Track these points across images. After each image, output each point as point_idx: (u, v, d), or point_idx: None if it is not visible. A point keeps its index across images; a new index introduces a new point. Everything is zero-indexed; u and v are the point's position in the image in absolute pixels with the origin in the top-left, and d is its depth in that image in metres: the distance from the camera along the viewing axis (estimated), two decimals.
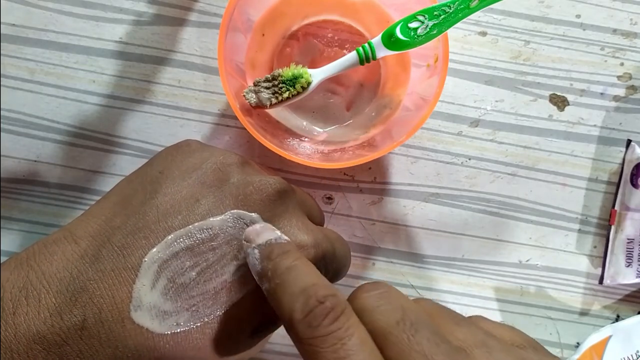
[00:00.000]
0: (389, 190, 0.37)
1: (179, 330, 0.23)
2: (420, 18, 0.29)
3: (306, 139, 0.35)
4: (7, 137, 0.36)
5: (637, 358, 0.34)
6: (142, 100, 0.36)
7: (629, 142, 0.37)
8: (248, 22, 0.34)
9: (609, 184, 0.38)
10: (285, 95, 0.31)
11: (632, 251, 0.37)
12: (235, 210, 0.25)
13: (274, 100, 0.32)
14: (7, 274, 0.22)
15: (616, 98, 0.38)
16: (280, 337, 0.37)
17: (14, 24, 0.36)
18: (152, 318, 0.22)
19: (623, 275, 0.37)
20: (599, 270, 0.38)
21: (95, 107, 0.36)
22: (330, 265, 0.28)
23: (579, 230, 0.38)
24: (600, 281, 0.37)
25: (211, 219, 0.24)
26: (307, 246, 0.25)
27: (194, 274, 0.23)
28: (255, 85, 0.32)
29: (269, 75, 0.32)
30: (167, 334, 0.22)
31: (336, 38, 0.36)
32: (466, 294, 0.38)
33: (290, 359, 0.37)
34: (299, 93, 0.32)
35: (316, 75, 0.32)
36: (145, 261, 0.23)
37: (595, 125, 0.38)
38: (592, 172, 0.38)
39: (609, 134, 0.38)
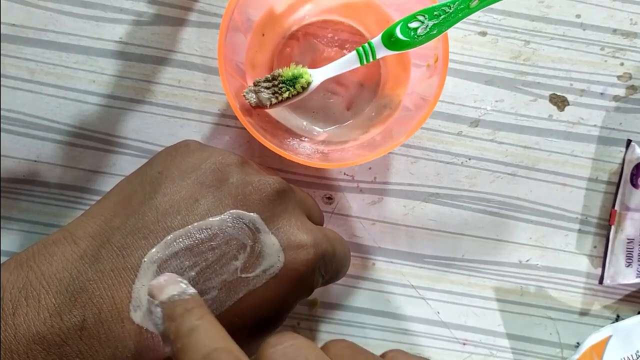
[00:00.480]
0: (389, 190, 0.37)
1: None
2: (420, 18, 0.29)
3: (306, 139, 0.35)
4: (7, 137, 0.36)
5: (637, 358, 0.34)
6: (142, 100, 0.36)
7: (629, 142, 0.37)
8: (248, 22, 0.34)
9: (609, 184, 0.38)
10: (285, 95, 0.31)
11: (632, 251, 0.37)
12: (235, 210, 0.25)
13: (274, 100, 0.32)
14: (7, 274, 0.23)
15: (616, 98, 0.38)
16: None
17: (14, 24, 0.36)
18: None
19: (623, 275, 0.37)
20: (599, 270, 0.38)
21: (95, 107, 0.36)
22: (330, 265, 0.28)
23: (579, 230, 0.38)
24: (600, 281, 0.37)
25: (210, 219, 0.24)
26: (306, 246, 0.25)
27: (193, 273, 0.23)
28: (255, 85, 0.32)
29: (269, 75, 0.32)
30: None
31: (336, 38, 0.36)
32: (466, 294, 0.38)
33: None
34: (299, 93, 0.32)
35: (316, 75, 0.32)
36: (144, 261, 0.23)
37: (595, 125, 0.38)
38: (592, 172, 0.38)
39: (609, 134, 0.38)
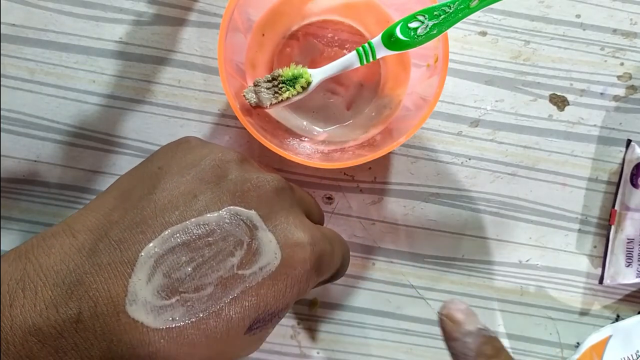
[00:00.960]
0: (389, 190, 0.37)
1: (174, 326, 0.22)
2: (420, 18, 0.29)
3: (306, 139, 0.35)
4: (7, 137, 0.36)
5: (637, 358, 0.34)
6: (142, 100, 0.37)
7: (629, 142, 0.37)
8: (248, 22, 0.34)
9: (609, 184, 0.38)
10: (285, 95, 0.31)
11: (632, 251, 0.37)
12: (232, 207, 0.25)
13: (274, 100, 0.32)
14: (6, 266, 0.23)
15: (616, 98, 0.38)
16: (279, 337, 0.37)
17: (14, 24, 0.36)
18: (147, 312, 0.22)
19: (623, 275, 0.37)
20: (599, 270, 0.38)
21: (95, 107, 0.36)
22: (329, 264, 0.28)
23: (579, 230, 0.38)
24: (600, 281, 0.37)
25: (208, 215, 0.24)
26: (303, 244, 0.25)
27: (189, 269, 0.23)
28: (255, 85, 0.32)
29: (269, 75, 0.32)
30: (162, 328, 0.22)
31: (336, 38, 0.36)
32: (466, 294, 0.38)
33: (290, 359, 0.37)
34: (299, 93, 0.32)
35: (316, 75, 0.32)
36: (141, 256, 0.23)
37: (595, 125, 0.38)
38: (592, 172, 0.38)
39: (609, 134, 0.38)
